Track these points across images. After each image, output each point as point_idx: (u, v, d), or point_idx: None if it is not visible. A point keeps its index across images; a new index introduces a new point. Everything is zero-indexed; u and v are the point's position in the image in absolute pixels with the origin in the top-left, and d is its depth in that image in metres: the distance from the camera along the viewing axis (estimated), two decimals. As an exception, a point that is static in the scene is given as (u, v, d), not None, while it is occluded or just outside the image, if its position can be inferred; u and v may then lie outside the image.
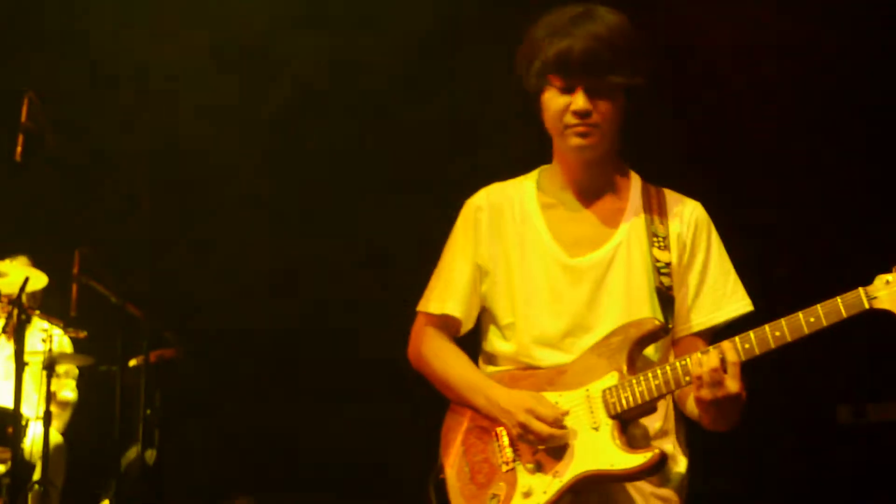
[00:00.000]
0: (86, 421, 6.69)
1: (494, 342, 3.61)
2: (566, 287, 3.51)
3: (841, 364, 6.03)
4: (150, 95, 6.73)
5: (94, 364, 6.73)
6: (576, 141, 3.46)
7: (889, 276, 3.22)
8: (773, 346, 3.26)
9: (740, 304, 3.56)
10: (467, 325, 3.64)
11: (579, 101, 3.41)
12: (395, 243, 6.49)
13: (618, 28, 3.43)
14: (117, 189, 6.85)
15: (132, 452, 6.59)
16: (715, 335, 3.52)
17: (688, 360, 3.33)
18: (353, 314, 6.68)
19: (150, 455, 6.53)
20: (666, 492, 3.49)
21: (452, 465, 3.56)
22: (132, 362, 6.57)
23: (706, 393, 3.27)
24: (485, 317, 3.65)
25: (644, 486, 3.44)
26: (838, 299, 3.22)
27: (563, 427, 3.39)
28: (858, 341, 5.82)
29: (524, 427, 3.39)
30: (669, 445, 3.50)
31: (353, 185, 6.73)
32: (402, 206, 6.54)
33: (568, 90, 3.43)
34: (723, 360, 3.26)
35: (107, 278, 6.39)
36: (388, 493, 6.31)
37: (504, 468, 3.47)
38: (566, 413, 3.41)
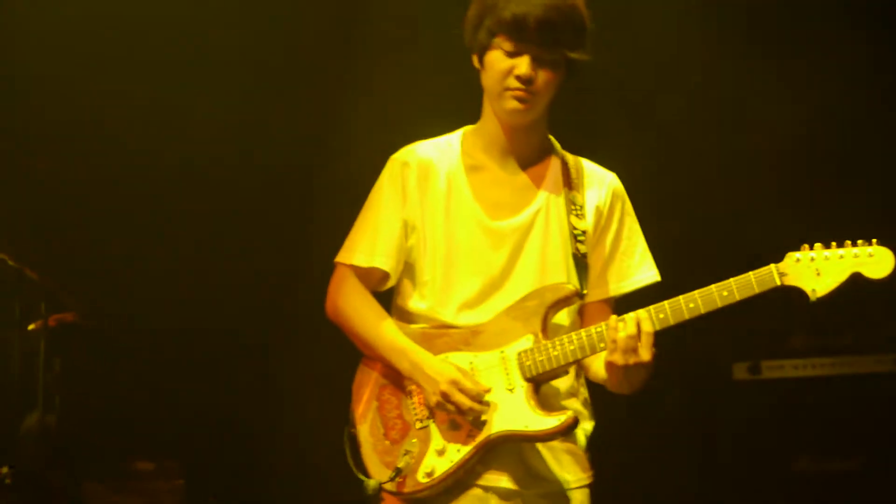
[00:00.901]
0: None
1: (410, 299, 3.62)
2: (486, 249, 3.55)
3: (737, 323, 6.11)
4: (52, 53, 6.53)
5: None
6: (512, 104, 3.50)
7: (799, 254, 3.34)
8: (687, 317, 3.36)
9: (648, 274, 3.66)
10: (392, 280, 3.64)
11: (525, 67, 3.46)
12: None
13: (574, 3, 3.49)
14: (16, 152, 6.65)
15: (32, 418, 6.46)
16: (620, 306, 3.60)
17: (604, 326, 3.39)
18: (263, 276, 6.61)
19: (50, 420, 6.41)
20: (574, 448, 3.56)
21: (365, 421, 3.58)
22: (31, 326, 6.43)
23: (619, 358, 3.35)
24: (403, 273, 3.65)
25: (554, 443, 3.51)
26: (751, 275, 3.33)
27: (483, 402, 3.43)
28: (754, 302, 6.00)
29: (445, 397, 3.42)
30: (578, 405, 3.58)
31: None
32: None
33: (515, 54, 3.47)
34: (638, 329, 3.34)
35: (2, 242, 6.23)
36: (296, 451, 6.35)
37: (418, 425, 3.51)
38: (488, 390, 3.45)
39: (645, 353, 3.34)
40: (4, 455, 6.27)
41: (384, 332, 3.57)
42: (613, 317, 3.37)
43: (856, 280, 3.29)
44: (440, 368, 3.46)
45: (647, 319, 3.35)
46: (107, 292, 6.64)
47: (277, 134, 6.53)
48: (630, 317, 3.36)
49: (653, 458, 6.19)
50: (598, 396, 5.88)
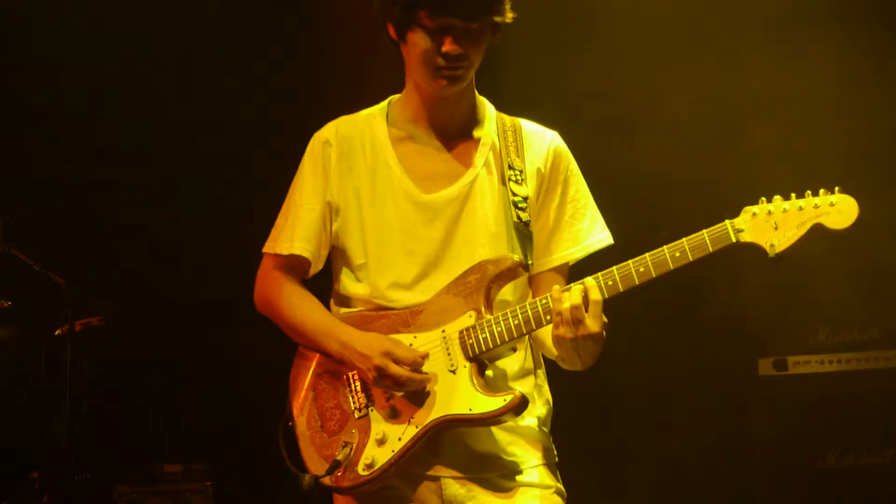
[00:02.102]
0: (11, 392, 6.56)
1: (346, 283, 3.44)
2: (419, 226, 3.35)
3: (762, 319, 5.95)
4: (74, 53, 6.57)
5: (18, 333, 6.58)
6: (443, 83, 3.29)
7: (755, 208, 3.12)
8: (637, 282, 3.13)
9: (599, 237, 3.43)
10: (316, 266, 3.46)
11: (451, 44, 3.24)
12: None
13: None
14: (41, 156, 6.69)
15: (59, 423, 6.47)
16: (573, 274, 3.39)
17: (548, 297, 3.18)
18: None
19: (78, 424, 6.40)
20: (529, 430, 3.35)
21: (302, 412, 3.40)
22: (57, 332, 6.44)
23: (566, 331, 3.14)
24: (336, 257, 3.47)
25: (506, 428, 3.31)
26: (704, 232, 3.11)
27: (421, 371, 3.24)
28: (775, 295, 5.83)
29: (381, 371, 3.22)
30: (528, 386, 3.36)
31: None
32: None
33: (439, 31, 3.24)
34: (585, 298, 3.13)
35: (28, 247, 6.26)
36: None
37: (357, 414, 3.32)
38: (425, 356, 3.26)
39: (593, 324, 3.12)
40: (33, 459, 6.32)
41: (311, 315, 3.40)
42: (556, 287, 3.16)
43: (818, 232, 3.05)
44: (371, 342, 3.26)
45: (593, 287, 3.13)
46: (133, 296, 6.62)
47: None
48: (576, 286, 3.14)
49: (677, 456, 6.01)
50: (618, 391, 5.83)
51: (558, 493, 3.33)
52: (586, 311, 3.12)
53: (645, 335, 5.94)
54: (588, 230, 3.42)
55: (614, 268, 3.16)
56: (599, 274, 3.16)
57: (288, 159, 3.59)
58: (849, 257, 5.41)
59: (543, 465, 3.34)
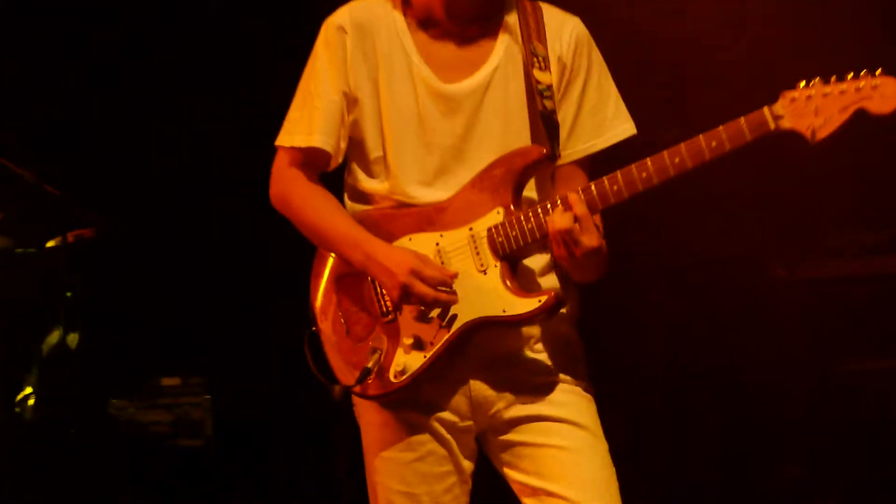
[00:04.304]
0: (4, 306, 6.37)
1: (363, 178, 3.24)
2: (439, 118, 3.15)
3: (773, 220, 5.79)
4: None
5: (11, 246, 6.39)
6: None
7: (794, 93, 2.91)
8: (640, 188, 2.97)
9: (622, 127, 3.24)
10: (336, 160, 3.24)
11: None
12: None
13: None
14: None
15: (54, 336, 6.30)
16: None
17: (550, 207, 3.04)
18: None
19: (73, 339, 6.24)
20: (562, 328, 3.21)
21: (326, 317, 3.22)
22: (50, 243, 6.25)
23: (562, 251, 2.99)
24: (352, 150, 3.26)
25: (534, 328, 3.15)
26: (742, 119, 2.91)
27: (450, 290, 3.07)
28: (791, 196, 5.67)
29: (406, 289, 3.04)
30: (554, 280, 3.19)
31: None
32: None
33: None
34: (573, 215, 2.97)
35: (22, 157, 6.05)
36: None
37: (384, 319, 3.15)
38: (454, 275, 3.08)
39: (588, 239, 2.97)
40: (28, 376, 6.17)
41: (334, 221, 3.19)
42: (549, 205, 3.03)
43: (860, 117, 2.87)
44: (397, 258, 3.07)
45: (577, 202, 2.97)
46: (128, 207, 6.39)
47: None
48: (558, 206, 3.00)
49: (685, 366, 5.87)
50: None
51: (587, 388, 3.21)
52: (578, 228, 2.97)
53: (644, 242, 5.74)
54: (612, 120, 3.24)
55: (633, 165, 2.99)
56: (607, 179, 3.01)
57: (301, 53, 3.35)
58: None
59: (572, 360, 3.21)
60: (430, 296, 3.03)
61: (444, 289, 3.06)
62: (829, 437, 5.56)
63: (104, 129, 6.47)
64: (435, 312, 3.09)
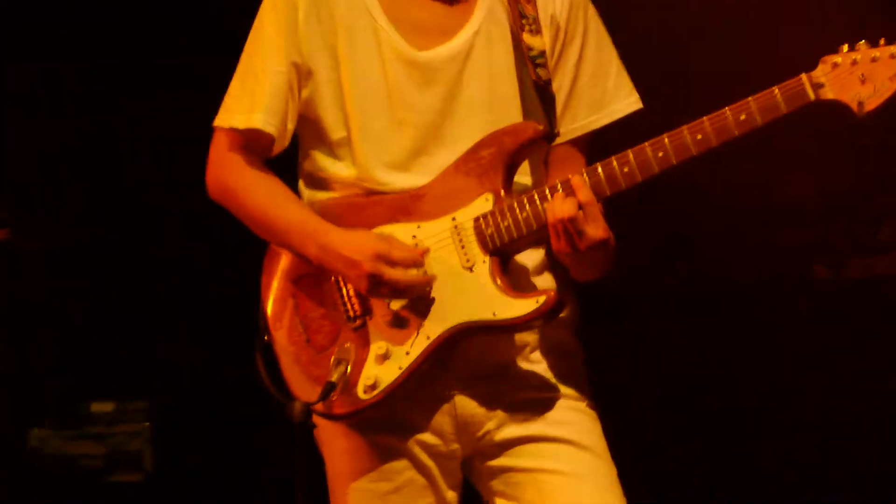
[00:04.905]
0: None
1: (323, 163, 3.25)
2: (413, 90, 3.17)
3: (817, 216, 5.85)
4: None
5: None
6: None
7: (837, 57, 2.94)
8: (656, 170, 2.99)
9: (626, 101, 3.27)
10: (282, 144, 3.26)
11: None
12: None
13: None
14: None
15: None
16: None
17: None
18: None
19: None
20: (561, 335, 3.24)
21: (281, 324, 3.24)
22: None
23: (563, 245, 3.01)
24: (306, 130, 3.27)
25: (528, 335, 3.18)
26: (775, 89, 2.94)
27: (425, 272, 3.09)
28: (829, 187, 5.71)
29: (374, 279, 3.04)
30: (550, 281, 3.22)
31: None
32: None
33: None
34: (576, 202, 2.99)
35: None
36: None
37: (351, 325, 3.16)
38: (426, 251, 3.10)
39: (594, 230, 2.99)
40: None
41: (282, 211, 3.21)
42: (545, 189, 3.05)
43: None
44: (358, 243, 3.08)
45: (582, 186, 3.00)
46: (49, 207, 6.47)
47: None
48: (559, 192, 3.02)
49: (711, 379, 5.91)
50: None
51: (590, 405, 3.23)
52: (582, 217, 2.98)
53: (658, 235, 5.80)
54: (613, 92, 3.26)
55: (646, 144, 3.02)
56: (615, 159, 3.03)
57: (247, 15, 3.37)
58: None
59: (573, 372, 3.24)
60: (402, 281, 3.05)
61: (418, 272, 3.07)
62: (882, 457, 5.62)
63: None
64: (412, 315, 3.10)
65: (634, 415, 5.60)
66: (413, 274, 3.07)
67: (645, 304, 5.94)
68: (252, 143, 3.24)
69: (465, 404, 3.15)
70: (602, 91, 3.24)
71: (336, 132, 3.21)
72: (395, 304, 3.11)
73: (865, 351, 5.72)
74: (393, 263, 3.05)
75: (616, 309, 5.69)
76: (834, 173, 5.60)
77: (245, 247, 3.42)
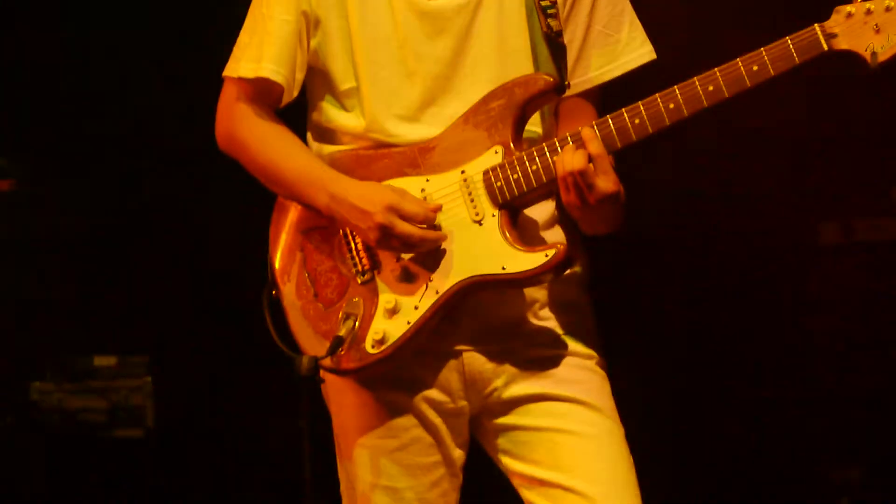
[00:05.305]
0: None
1: (331, 114, 3.23)
2: (422, 40, 3.15)
3: (824, 176, 5.84)
4: None
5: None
6: None
7: (851, 7, 2.92)
8: (668, 122, 2.97)
9: (639, 52, 3.23)
10: (290, 94, 3.24)
11: None
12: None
13: None
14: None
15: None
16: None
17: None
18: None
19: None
20: (571, 292, 3.22)
21: (289, 278, 3.23)
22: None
23: (573, 198, 2.99)
24: (315, 81, 3.26)
25: (537, 291, 3.16)
26: (788, 39, 2.92)
27: (436, 227, 3.08)
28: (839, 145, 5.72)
29: (385, 230, 3.04)
30: (560, 235, 3.19)
31: None
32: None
33: None
34: (587, 154, 2.97)
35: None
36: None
37: (360, 279, 3.15)
38: (438, 208, 3.09)
39: (605, 183, 2.97)
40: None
41: (291, 159, 3.20)
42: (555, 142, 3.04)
43: None
44: (370, 194, 3.07)
45: (592, 138, 2.98)
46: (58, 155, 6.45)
47: None
48: (569, 144, 3.01)
49: (731, 340, 5.93)
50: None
51: (599, 363, 3.21)
52: (592, 170, 2.97)
53: (667, 195, 5.77)
54: (627, 43, 3.23)
55: (657, 95, 2.99)
56: (624, 110, 3.01)
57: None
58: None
59: (583, 330, 3.22)
60: (413, 235, 3.04)
61: (430, 226, 3.07)
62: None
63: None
64: (421, 269, 3.09)
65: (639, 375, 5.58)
66: (424, 229, 3.06)
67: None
68: (261, 94, 3.22)
69: (473, 360, 3.14)
70: (615, 42, 3.21)
71: (345, 83, 3.20)
72: (405, 258, 3.10)
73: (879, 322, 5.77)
74: (405, 217, 3.04)
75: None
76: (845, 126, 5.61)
77: (252, 198, 3.40)
